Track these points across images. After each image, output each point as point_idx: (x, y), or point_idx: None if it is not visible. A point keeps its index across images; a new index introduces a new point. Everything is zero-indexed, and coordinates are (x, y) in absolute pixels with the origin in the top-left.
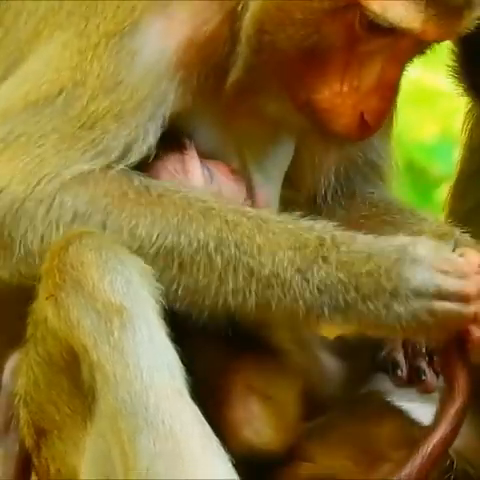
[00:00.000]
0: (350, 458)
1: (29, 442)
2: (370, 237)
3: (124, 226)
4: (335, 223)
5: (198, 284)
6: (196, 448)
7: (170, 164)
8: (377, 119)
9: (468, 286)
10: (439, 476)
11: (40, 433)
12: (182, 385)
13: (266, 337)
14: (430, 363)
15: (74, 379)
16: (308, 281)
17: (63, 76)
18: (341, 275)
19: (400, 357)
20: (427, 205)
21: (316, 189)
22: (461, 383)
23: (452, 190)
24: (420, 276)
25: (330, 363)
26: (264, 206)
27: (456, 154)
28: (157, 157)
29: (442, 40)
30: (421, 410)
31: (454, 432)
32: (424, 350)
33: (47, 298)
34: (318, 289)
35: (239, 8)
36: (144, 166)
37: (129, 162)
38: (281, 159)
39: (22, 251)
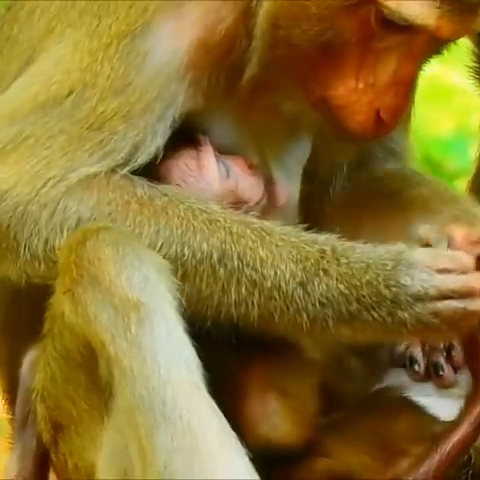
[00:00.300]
0: (368, 453)
1: (46, 437)
2: (369, 246)
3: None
4: (338, 235)
5: (201, 294)
6: (214, 443)
7: (182, 161)
8: (393, 116)
9: (470, 280)
10: (457, 472)
11: (57, 428)
12: (199, 380)
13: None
14: (448, 358)
15: (91, 374)
16: (309, 294)
17: (73, 77)
18: (342, 287)
19: (417, 352)
20: None
21: (331, 181)
22: None
23: (470, 184)
24: (418, 280)
25: (347, 359)
26: (285, 201)
27: (472, 149)
28: (169, 155)
29: (457, 37)
30: (439, 405)
31: (476, 432)
32: (442, 345)
33: (64, 293)
34: (320, 302)
35: (253, 5)
36: (155, 164)
37: (136, 163)
38: (300, 154)
39: (27, 255)
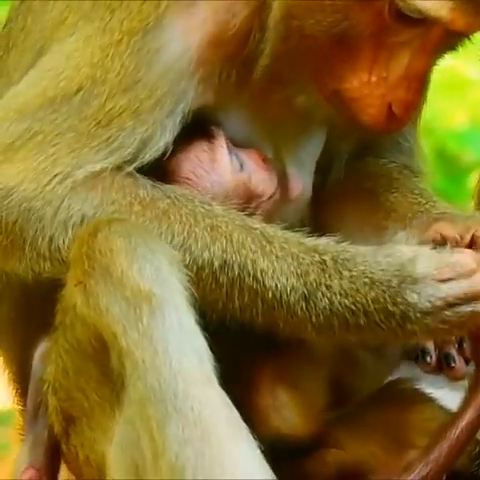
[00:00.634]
0: (379, 445)
1: (58, 429)
2: (369, 252)
3: None
4: (337, 239)
5: (206, 299)
6: (225, 434)
7: (194, 154)
8: (405, 111)
9: (473, 284)
10: (468, 463)
11: (69, 420)
12: (211, 371)
13: None
14: (459, 350)
15: (103, 366)
16: (313, 307)
17: (83, 73)
18: (347, 302)
19: (429, 344)
20: (459, 192)
21: (334, 172)
22: None
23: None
24: (425, 296)
25: (358, 352)
26: (297, 196)
27: None
28: (179, 148)
29: (471, 30)
30: (450, 397)
31: None
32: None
33: (76, 285)
34: (323, 314)
35: None
36: (165, 158)
37: (144, 159)
38: (314, 148)
39: (34, 253)
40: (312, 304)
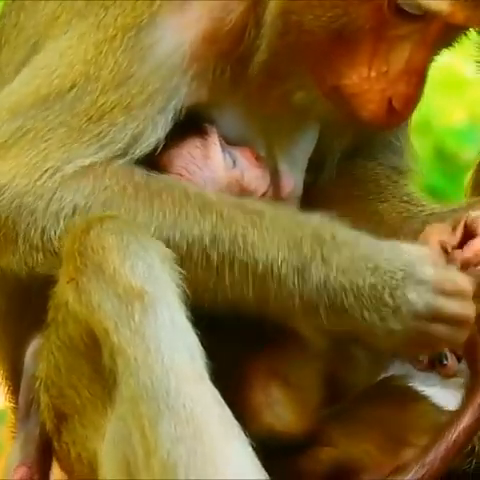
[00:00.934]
0: (372, 443)
1: (49, 426)
2: (373, 243)
3: None
4: (332, 216)
5: (197, 278)
6: (216, 432)
7: (186, 150)
8: (405, 105)
9: (465, 309)
10: (461, 461)
11: (61, 417)
12: (202, 368)
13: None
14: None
15: (95, 363)
16: (306, 280)
17: (76, 70)
18: (342, 280)
19: None
20: (457, 190)
21: (327, 171)
22: None
23: (474, 174)
24: (423, 299)
25: (352, 348)
26: (289, 193)
27: None
28: (172, 144)
29: (471, 24)
30: (443, 394)
31: (479, 421)
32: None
33: (68, 282)
34: (317, 288)
35: None
36: (157, 154)
37: (135, 155)
38: (306, 145)
39: (26, 245)
40: (305, 277)
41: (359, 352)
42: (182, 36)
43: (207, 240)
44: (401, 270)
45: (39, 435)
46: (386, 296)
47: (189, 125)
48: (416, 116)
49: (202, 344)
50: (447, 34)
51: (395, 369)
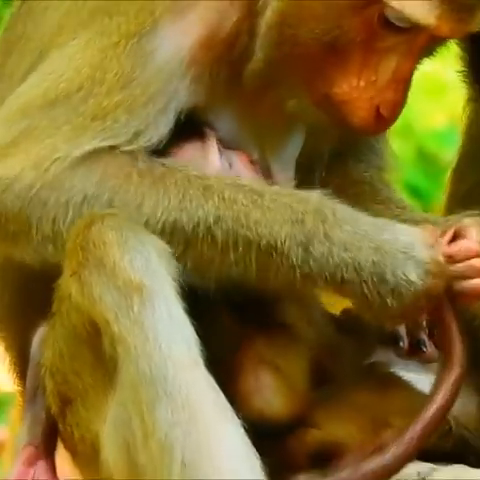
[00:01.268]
0: (355, 425)
1: (55, 410)
2: (372, 221)
3: (130, 205)
4: (329, 193)
5: (203, 257)
6: (211, 415)
7: (187, 152)
8: (392, 112)
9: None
10: (438, 441)
11: (65, 401)
12: (198, 356)
13: (277, 314)
14: (430, 335)
15: (96, 351)
16: (308, 254)
17: (83, 74)
18: (345, 255)
19: (402, 330)
20: (437, 189)
21: (317, 171)
22: (458, 352)
23: (452, 174)
24: (422, 280)
25: (337, 337)
26: None
27: None
28: (174, 146)
29: (454, 36)
30: (422, 379)
31: (452, 399)
32: (424, 323)
33: (71, 275)
34: (319, 262)
35: (259, 3)
36: (160, 155)
37: (138, 147)
38: (294, 147)
39: (39, 236)
40: (308, 251)
41: (344, 341)
42: (181, 42)
43: (211, 220)
44: (402, 252)
45: (45, 417)
46: (388, 275)
47: (190, 129)
48: (399, 120)
49: (197, 334)
50: (431, 45)
51: (377, 356)
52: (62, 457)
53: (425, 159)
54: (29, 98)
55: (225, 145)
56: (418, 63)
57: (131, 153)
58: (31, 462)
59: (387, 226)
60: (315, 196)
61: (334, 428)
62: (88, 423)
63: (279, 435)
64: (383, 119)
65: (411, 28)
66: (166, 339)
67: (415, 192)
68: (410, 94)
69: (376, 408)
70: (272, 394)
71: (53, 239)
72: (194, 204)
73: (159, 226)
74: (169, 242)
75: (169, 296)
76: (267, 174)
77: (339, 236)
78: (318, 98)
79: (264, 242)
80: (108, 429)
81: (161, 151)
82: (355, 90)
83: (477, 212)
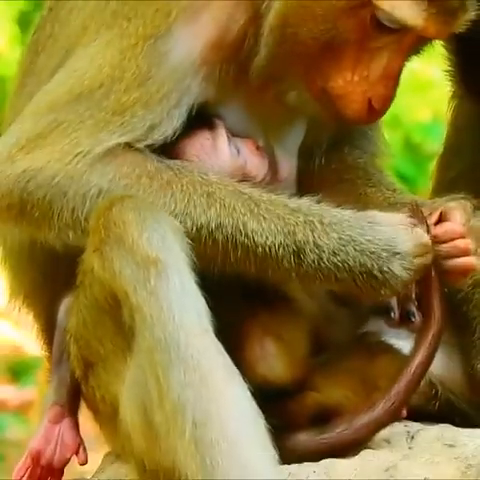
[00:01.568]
0: (350, 388)
1: (78, 373)
2: (354, 223)
3: None
4: (318, 199)
5: (206, 255)
6: (220, 378)
7: (198, 141)
8: (383, 105)
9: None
10: (425, 403)
11: (87, 365)
12: (208, 325)
13: (279, 288)
14: (418, 307)
15: (116, 320)
16: (301, 260)
17: (104, 72)
18: (334, 260)
19: (393, 302)
20: (422, 176)
21: (317, 158)
22: (437, 312)
23: (438, 162)
24: (406, 269)
25: (334, 309)
26: (285, 176)
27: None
28: (186, 136)
29: (440, 37)
30: (410, 347)
31: (432, 355)
32: (413, 295)
33: (94, 251)
34: (312, 267)
35: (263, 7)
36: (173, 144)
37: (153, 140)
38: (297, 136)
39: (60, 223)
40: (301, 258)
41: (340, 312)
42: (193, 44)
43: (213, 226)
44: (384, 250)
45: (70, 380)
46: (375, 272)
47: (200, 120)
48: (388, 112)
49: (208, 305)
50: (418, 44)
51: (369, 326)
52: (85, 415)
53: (411, 149)
54: (56, 94)
55: (233, 133)
56: (407, 61)
57: (144, 153)
58: (57, 420)
59: (369, 223)
60: (305, 206)
61: (331, 391)
62: (108, 385)
63: (281, 398)
64: (375, 111)
65: (400, 29)
66: (179, 309)
67: (402, 179)
68: (398, 89)
69: (367, 372)
70: (275, 361)
71: (73, 227)
72: (198, 210)
73: None
74: None
75: (183, 270)
76: (272, 160)
77: (327, 244)
78: (316, 91)
79: (260, 249)
80: (126, 390)
81: (175, 140)
82: (349, 84)
83: (461, 196)
